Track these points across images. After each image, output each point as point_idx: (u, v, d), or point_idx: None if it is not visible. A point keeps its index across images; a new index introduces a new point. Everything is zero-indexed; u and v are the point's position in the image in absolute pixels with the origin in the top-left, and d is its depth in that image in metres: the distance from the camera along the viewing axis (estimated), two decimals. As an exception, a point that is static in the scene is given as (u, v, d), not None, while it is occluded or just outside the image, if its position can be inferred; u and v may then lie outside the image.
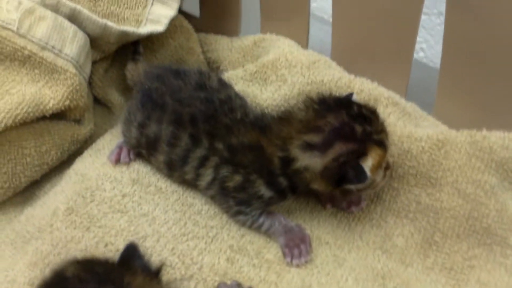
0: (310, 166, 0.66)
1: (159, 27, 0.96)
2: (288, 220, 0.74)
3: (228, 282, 0.67)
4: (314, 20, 1.00)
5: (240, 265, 0.70)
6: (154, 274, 0.54)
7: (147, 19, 0.97)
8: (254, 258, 0.71)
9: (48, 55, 0.82)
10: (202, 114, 0.74)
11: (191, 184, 0.78)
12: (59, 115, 0.87)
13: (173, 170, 0.78)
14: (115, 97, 0.99)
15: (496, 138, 0.74)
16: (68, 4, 0.86)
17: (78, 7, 0.87)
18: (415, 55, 0.88)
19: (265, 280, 0.68)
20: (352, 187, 0.67)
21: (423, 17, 0.87)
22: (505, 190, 0.72)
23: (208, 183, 0.75)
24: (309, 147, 0.66)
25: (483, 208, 0.71)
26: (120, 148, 0.83)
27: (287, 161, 0.68)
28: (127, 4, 0.96)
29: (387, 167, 0.69)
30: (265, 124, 0.72)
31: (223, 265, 0.69)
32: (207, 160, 0.74)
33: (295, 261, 0.70)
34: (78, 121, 0.90)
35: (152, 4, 0.98)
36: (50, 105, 0.83)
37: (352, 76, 0.87)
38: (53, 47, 0.83)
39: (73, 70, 0.84)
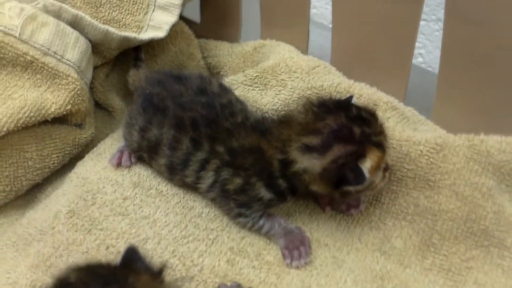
0: (309, 168, 0.67)
1: (160, 33, 0.97)
2: (288, 222, 0.74)
3: (229, 284, 0.68)
4: (314, 26, 1.01)
5: (240, 267, 0.70)
6: (157, 274, 0.54)
7: (148, 25, 0.98)
8: (254, 260, 0.71)
9: (50, 61, 0.83)
10: (203, 119, 0.75)
11: (192, 187, 0.78)
12: (60, 120, 0.88)
13: (174, 173, 0.78)
14: (116, 101, 1.00)
15: (493, 142, 0.75)
16: (70, 10, 0.87)
17: (80, 13, 0.88)
18: (413, 60, 0.89)
19: (265, 282, 0.69)
20: (351, 188, 0.67)
21: (421, 23, 0.88)
22: (502, 193, 0.73)
23: (208, 186, 0.75)
24: (308, 149, 0.67)
25: (480, 210, 0.72)
26: (121, 151, 0.84)
27: (287, 163, 0.69)
28: (129, 10, 0.97)
29: (386, 169, 0.70)
30: (265, 128, 0.73)
31: (223, 267, 0.70)
32: (207, 163, 0.74)
33: (294, 263, 0.70)
34: (79, 125, 0.91)
35: (153, 10, 0.99)
36: (52, 109, 0.83)
37: (351, 81, 0.88)
38: (55, 52, 0.84)
39: (75, 75, 0.85)
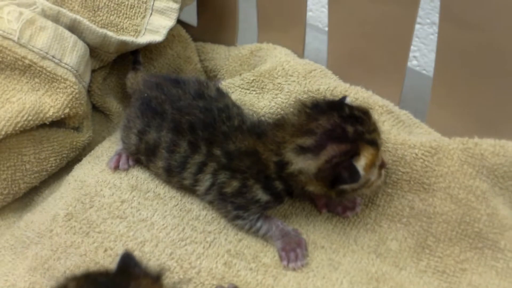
0: (304, 169, 0.68)
1: (158, 37, 0.98)
2: (284, 225, 0.75)
3: (226, 286, 0.68)
4: (309, 28, 1.02)
5: (237, 269, 0.71)
6: (156, 278, 0.54)
7: (146, 29, 0.99)
8: (251, 262, 0.72)
9: (48, 65, 0.84)
10: (200, 122, 0.76)
11: (189, 189, 0.79)
12: (58, 123, 0.88)
13: (171, 176, 0.79)
14: (113, 104, 1.00)
15: (487, 145, 0.75)
16: (69, 14, 0.88)
17: (78, 17, 0.89)
18: (408, 63, 0.90)
19: (262, 284, 0.69)
20: (346, 187, 0.68)
21: (416, 26, 0.88)
22: (496, 195, 0.74)
23: (206, 188, 0.76)
24: (302, 150, 0.67)
25: (474, 213, 0.72)
26: (119, 154, 0.85)
27: (282, 165, 0.69)
28: (126, 14, 0.97)
29: (382, 165, 0.70)
30: (261, 130, 0.74)
31: (220, 269, 0.71)
32: (205, 166, 0.75)
33: (291, 265, 0.71)
34: (77, 129, 0.91)
35: (151, 14, 0.99)
36: (50, 113, 0.84)
37: (347, 85, 0.89)
38: (53, 56, 0.84)
39: (73, 79, 0.85)
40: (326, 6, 0.94)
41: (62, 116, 0.86)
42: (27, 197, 0.89)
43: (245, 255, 0.73)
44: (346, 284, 0.69)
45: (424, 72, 1.20)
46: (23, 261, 0.73)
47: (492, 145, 0.75)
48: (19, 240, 0.76)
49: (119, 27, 0.97)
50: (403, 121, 0.86)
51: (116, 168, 0.83)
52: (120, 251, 0.72)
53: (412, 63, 1.23)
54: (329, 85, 0.88)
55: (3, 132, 0.79)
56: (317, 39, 1.13)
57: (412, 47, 0.90)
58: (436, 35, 0.83)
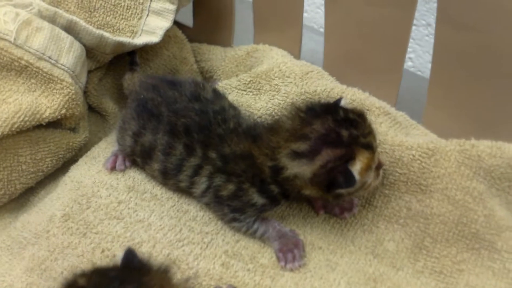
0: (300, 174, 0.67)
1: (154, 38, 0.98)
2: (282, 226, 0.75)
3: (224, 287, 0.68)
4: (304, 29, 1.02)
5: (235, 270, 0.71)
6: (165, 271, 0.54)
7: (142, 30, 0.99)
8: (249, 263, 0.72)
9: (45, 65, 0.83)
10: (196, 125, 0.76)
11: (186, 192, 0.79)
12: (54, 124, 0.88)
13: (167, 178, 0.79)
14: (109, 105, 1.00)
15: (484, 146, 0.76)
16: (65, 15, 0.88)
17: (75, 18, 0.89)
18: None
19: (259, 285, 0.69)
20: (342, 191, 0.68)
21: (410, 28, 0.89)
22: (493, 197, 0.74)
23: (202, 191, 0.76)
24: (297, 155, 0.67)
25: (471, 214, 0.72)
26: (115, 155, 0.85)
27: (277, 169, 0.69)
28: (123, 15, 0.97)
29: (379, 167, 0.70)
30: (256, 134, 0.73)
31: (218, 270, 0.71)
32: (201, 169, 0.75)
33: (289, 266, 0.71)
34: (73, 129, 0.91)
35: (147, 15, 0.99)
36: (47, 114, 0.84)
37: (344, 86, 0.89)
38: (49, 57, 0.84)
39: (69, 80, 0.85)
40: (321, 7, 0.94)
41: (59, 117, 0.85)
42: (23, 197, 0.89)
43: (243, 256, 0.73)
44: (344, 284, 0.69)
45: (419, 73, 1.21)
46: (20, 261, 0.73)
47: (489, 147, 0.76)
48: (15, 241, 0.76)
49: (115, 28, 0.97)
50: (400, 122, 0.86)
51: (113, 169, 0.83)
52: (117, 252, 0.72)
53: (407, 64, 1.23)
54: (326, 86, 0.88)
55: (-1, 133, 0.79)
56: (312, 40, 1.14)
57: (407, 49, 0.90)
58: (432, 36, 0.83)
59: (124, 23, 0.98)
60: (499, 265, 0.71)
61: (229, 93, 0.92)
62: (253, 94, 0.92)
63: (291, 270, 0.71)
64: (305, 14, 1.31)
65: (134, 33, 0.98)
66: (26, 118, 0.81)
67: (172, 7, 1.00)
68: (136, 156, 0.81)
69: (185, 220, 0.77)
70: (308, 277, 0.70)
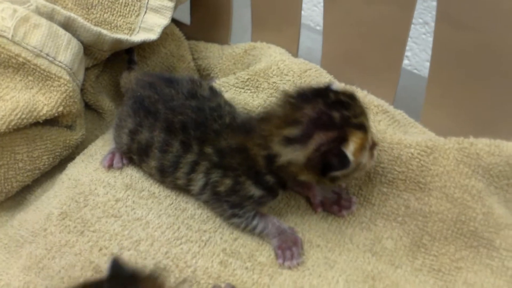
0: (294, 159, 0.67)
1: (152, 35, 0.97)
2: (281, 222, 0.75)
3: (222, 285, 0.68)
4: (301, 28, 1.02)
5: (233, 268, 0.71)
6: (156, 276, 0.54)
7: (140, 27, 0.98)
8: (247, 261, 0.72)
9: (42, 62, 0.83)
10: (192, 122, 0.75)
11: (184, 189, 0.79)
12: (51, 121, 0.87)
13: (165, 176, 0.79)
14: (106, 103, 1.00)
15: (482, 144, 0.76)
16: (63, 12, 0.87)
17: (73, 15, 0.88)
18: (400, 63, 0.90)
19: (258, 283, 0.69)
20: (338, 173, 0.67)
21: (410, 26, 0.89)
22: (491, 194, 0.74)
23: (200, 188, 0.76)
24: (289, 141, 0.67)
25: (470, 212, 0.73)
26: (112, 153, 0.85)
27: (271, 158, 0.69)
28: (120, 12, 0.97)
29: (373, 146, 0.70)
30: (250, 126, 0.73)
31: (216, 268, 0.70)
32: (197, 165, 0.75)
33: (287, 263, 0.71)
34: (70, 127, 0.91)
35: (145, 12, 0.99)
36: (44, 111, 0.83)
37: (342, 84, 0.89)
38: (47, 54, 0.83)
39: (67, 77, 0.85)
40: (318, 5, 0.94)
41: (56, 114, 0.85)
42: (19, 195, 0.88)
43: (241, 254, 0.72)
44: (342, 282, 0.69)
45: (415, 71, 1.21)
46: (17, 260, 0.72)
47: (488, 145, 0.76)
48: (12, 239, 0.76)
49: (113, 25, 0.97)
50: (398, 120, 0.86)
51: (110, 166, 0.83)
52: (115, 250, 0.71)
53: (404, 62, 1.23)
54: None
55: (-4, 131, 0.79)
56: (309, 38, 1.13)
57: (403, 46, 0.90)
58: (429, 35, 0.83)
59: (122, 20, 0.97)
60: (498, 262, 0.71)
61: (227, 91, 0.92)
62: (251, 92, 0.92)
63: (290, 268, 0.71)
64: (302, 13, 1.31)
65: (131, 30, 0.98)
66: (24, 116, 0.81)
67: (170, 4, 0.99)
68: (133, 154, 0.81)
69: (183, 218, 0.76)
70: (306, 275, 0.70)
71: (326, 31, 0.95)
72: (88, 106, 0.99)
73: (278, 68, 0.92)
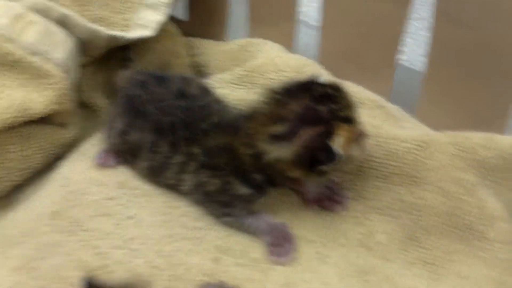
0: (280, 156, 0.66)
1: (148, 32, 0.97)
2: (273, 219, 0.74)
3: (214, 283, 0.68)
4: (298, 24, 1.01)
5: (226, 265, 0.70)
6: None
7: (136, 24, 0.98)
8: (240, 258, 0.71)
9: (38, 60, 0.82)
10: (181, 122, 0.75)
11: (175, 189, 0.78)
12: (45, 119, 0.86)
13: (156, 176, 0.78)
14: (101, 101, 0.99)
15: (477, 138, 0.76)
16: (58, 9, 0.87)
17: (68, 12, 0.88)
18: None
19: (251, 279, 0.68)
20: (326, 167, 0.66)
21: (404, 21, 0.88)
22: (486, 188, 0.74)
23: (190, 188, 0.75)
24: (275, 138, 0.66)
25: (465, 206, 0.72)
26: (105, 151, 0.84)
27: (257, 156, 0.68)
28: (116, 9, 0.97)
29: (361, 137, 0.69)
30: (237, 125, 0.72)
31: (209, 266, 0.70)
32: (186, 166, 0.74)
33: (280, 259, 0.70)
34: (63, 125, 0.90)
35: (141, 9, 0.98)
36: (39, 109, 0.82)
37: (339, 80, 0.88)
38: (42, 52, 0.83)
39: (62, 75, 0.84)
40: (315, 1, 0.94)
41: (51, 112, 0.84)
42: (10, 195, 0.86)
43: (234, 250, 0.72)
44: (335, 277, 0.69)
45: (411, 66, 1.20)
46: (7, 260, 0.71)
47: (483, 139, 0.76)
48: (3, 239, 0.75)
49: (109, 22, 0.96)
50: (394, 115, 0.86)
51: (103, 165, 0.82)
52: (108, 249, 0.71)
53: (400, 57, 1.23)
54: (322, 81, 0.87)
55: (-9, 129, 0.78)
56: (306, 34, 1.13)
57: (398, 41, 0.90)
58: (425, 30, 0.83)
59: (118, 17, 0.97)
60: (491, 255, 0.70)
61: (223, 88, 0.91)
62: (247, 89, 0.91)
63: (282, 264, 0.70)
64: (299, 8, 1.31)
65: (127, 27, 0.97)
66: (19, 114, 0.80)
67: (167, 0, 0.99)
68: (124, 154, 0.81)
69: (177, 215, 0.76)
70: (299, 271, 0.69)
71: (323, 27, 0.95)
72: (82, 104, 0.98)
73: (275, 64, 0.92)
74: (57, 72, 0.84)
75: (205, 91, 0.82)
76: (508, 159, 0.75)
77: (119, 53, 0.99)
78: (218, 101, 0.82)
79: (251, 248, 0.72)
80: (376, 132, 0.78)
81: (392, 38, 0.87)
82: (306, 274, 0.69)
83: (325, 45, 0.96)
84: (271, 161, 0.67)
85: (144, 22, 0.98)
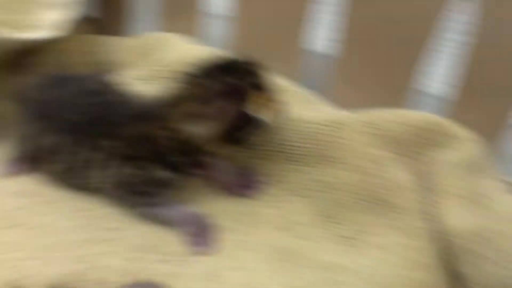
0: (196, 132, 0.68)
1: (51, 33, 0.93)
2: (190, 209, 0.74)
3: (138, 282, 0.66)
4: (207, 15, 1.01)
5: (149, 262, 0.68)
6: None
7: (38, 26, 0.94)
8: (161, 253, 0.70)
9: None
10: (89, 120, 0.74)
11: (96, 190, 0.76)
12: None
13: (76, 179, 0.76)
14: (6, 108, 0.94)
15: (389, 115, 0.79)
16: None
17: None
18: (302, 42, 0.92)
19: (175, 273, 0.67)
20: (245, 134, 0.69)
21: (310, 5, 0.90)
22: (397, 163, 0.77)
23: (114, 184, 0.74)
24: (189, 116, 0.68)
25: (377, 180, 0.75)
26: (14, 160, 0.81)
27: (173, 137, 0.70)
28: (17, 10, 0.93)
29: (274, 103, 0.71)
30: (151, 112, 0.73)
31: (132, 265, 0.68)
32: (108, 161, 0.73)
33: (199, 249, 0.70)
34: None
35: (43, 10, 0.95)
36: None
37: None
38: None
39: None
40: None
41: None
42: None
43: (154, 246, 0.71)
44: (257, 262, 0.69)
45: (321, 50, 1.23)
46: None
47: (393, 114, 0.78)
48: None
49: (9, 25, 0.91)
50: (307, 99, 0.87)
51: (12, 174, 0.80)
52: (25, 261, 0.67)
53: (307, 41, 1.25)
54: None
55: None
56: (214, 25, 1.13)
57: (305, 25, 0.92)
58: (329, 13, 0.85)
59: (20, 18, 0.92)
60: (407, 223, 0.73)
61: (131, 84, 0.89)
62: (155, 84, 0.89)
63: (203, 253, 0.70)
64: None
65: (30, 28, 0.93)
66: None
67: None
68: (35, 160, 0.78)
69: (91, 218, 0.74)
70: (222, 259, 0.69)
71: (232, 17, 0.95)
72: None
73: (184, 57, 0.90)
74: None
75: (112, 86, 0.81)
76: (420, 134, 0.79)
77: (28, 58, 0.95)
78: (126, 94, 0.80)
79: (170, 242, 0.71)
80: (287, 116, 0.79)
81: (298, 22, 0.88)
82: (229, 262, 0.69)
83: (235, 35, 0.96)
84: (188, 139, 0.69)
85: (47, 23, 0.94)
